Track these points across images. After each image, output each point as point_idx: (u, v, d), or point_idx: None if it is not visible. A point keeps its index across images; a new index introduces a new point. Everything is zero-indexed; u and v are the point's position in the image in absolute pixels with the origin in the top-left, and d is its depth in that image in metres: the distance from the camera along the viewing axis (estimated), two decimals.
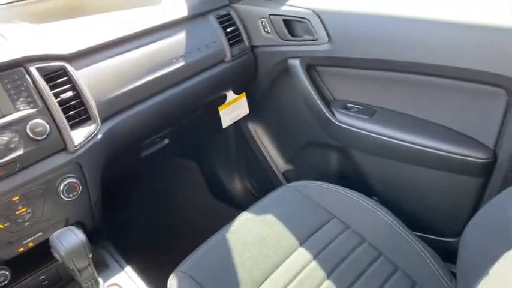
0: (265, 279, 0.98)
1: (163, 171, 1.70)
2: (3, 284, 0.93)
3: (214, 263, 1.02)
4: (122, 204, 1.43)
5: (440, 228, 1.23)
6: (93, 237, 1.09)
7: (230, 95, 1.45)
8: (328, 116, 1.28)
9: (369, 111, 1.24)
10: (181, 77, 1.19)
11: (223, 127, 1.46)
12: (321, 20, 1.19)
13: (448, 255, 0.98)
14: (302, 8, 1.23)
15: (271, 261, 1.02)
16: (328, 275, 0.99)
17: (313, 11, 1.21)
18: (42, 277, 1.01)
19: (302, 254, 1.04)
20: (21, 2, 1.30)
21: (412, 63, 1.07)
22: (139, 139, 1.23)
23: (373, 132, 1.21)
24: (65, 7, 1.28)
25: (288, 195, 1.23)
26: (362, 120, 1.23)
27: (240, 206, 1.71)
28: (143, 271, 1.08)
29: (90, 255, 0.86)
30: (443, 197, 1.19)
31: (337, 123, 1.27)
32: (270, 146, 1.65)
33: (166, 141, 1.37)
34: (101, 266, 1.06)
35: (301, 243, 1.06)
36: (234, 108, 1.45)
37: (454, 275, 0.94)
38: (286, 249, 1.05)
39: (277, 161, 1.66)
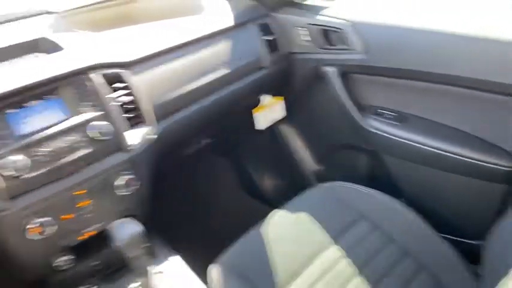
0: (300, 274, 1.07)
1: (200, 169, 1.80)
2: (69, 265, 1.04)
3: (252, 256, 1.11)
4: (164, 198, 1.53)
5: (465, 231, 1.28)
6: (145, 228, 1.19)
7: (265, 98, 1.54)
8: (360, 121, 1.35)
9: (400, 118, 1.31)
10: (225, 82, 1.28)
11: (258, 129, 1.55)
12: (356, 31, 1.26)
13: (473, 257, 1.05)
14: (339, 18, 1.30)
15: (304, 257, 1.10)
16: (357, 272, 1.06)
17: (349, 21, 1.28)
18: (97, 262, 1.12)
19: (332, 252, 1.12)
20: (74, 11, 1.41)
21: (442, 74, 1.13)
22: (186, 139, 1.32)
23: (403, 138, 1.27)
24: (116, 16, 1.38)
25: (319, 194, 1.31)
26: (393, 127, 1.30)
27: (271, 203, 1.80)
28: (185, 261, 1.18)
29: (144, 246, 0.96)
30: (469, 201, 1.25)
31: (368, 128, 1.34)
32: (301, 147, 1.73)
33: (207, 140, 1.47)
34: (148, 255, 1.16)
35: (332, 242, 1.14)
36: (270, 111, 1.54)
37: (478, 276, 1.00)
38: (318, 247, 1.13)
39: (308, 161, 1.73)
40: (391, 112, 1.34)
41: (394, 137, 1.30)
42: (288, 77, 1.49)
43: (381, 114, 1.35)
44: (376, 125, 1.34)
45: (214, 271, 1.07)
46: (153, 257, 1.13)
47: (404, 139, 1.28)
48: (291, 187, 1.81)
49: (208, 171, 1.83)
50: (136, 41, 1.17)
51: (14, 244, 0.94)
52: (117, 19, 1.36)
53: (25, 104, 0.94)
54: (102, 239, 1.04)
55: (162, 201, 1.30)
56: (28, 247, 0.95)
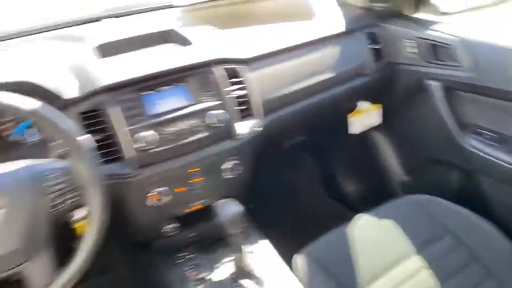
0: (380, 277, 1.12)
1: (288, 163, 1.89)
2: (175, 232, 1.18)
3: (336, 252, 1.18)
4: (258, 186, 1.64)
5: None
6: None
7: (362, 104, 1.58)
8: (459, 138, 1.36)
9: (500, 139, 1.29)
10: (328, 85, 1.35)
11: (352, 133, 1.60)
12: (467, 48, 1.27)
13: None
14: (449, 34, 1.31)
15: (387, 262, 1.15)
16: (438, 285, 1.09)
17: (460, 38, 1.28)
18: (194, 233, 1.25)
19: (414, 261, 1.15)
20: (196, 6, 1.55)
21: None
22: (285, 134, 1.42)
23: (502, 160, 1.26)
24: (234, 14, 1.51)
25: (406, 205, 1.34)
26: (493, 147, 1.29)
27: (351, 206, 1.84)
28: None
29: (242, 225, 1.06)
30: None
31: (467, 146, 1.34)
32: (391, 156, 1.75)
33: (302, 138, 1.55)
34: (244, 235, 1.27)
35: (415, 252, 1.17)
36: (366, 117, 1.58)
37: None
38: (400, 254, 1.17)
39: (396, 171, 1.75)
40: (492, 133, 1.32)
41: (492, 158, 1.29)
42: (389, 86, 1.53)
43: (481, 134, 1.34)
44: (475, 144, 1.33)
45: (300, 260, 1.16)
46: (247, 237, 1.24)
47: (503, 161, 1.26)
48: (374, 194, 1.84)
49: (295, 166, 1.91)
50: (254, 40, 1.29)
51: (135, 208, 1.09)
52: (235, 17, 1.48)
53: (158, 88, 1.08)
54: (206, 213, 1.17)
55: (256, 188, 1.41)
56: (146, 212, 1.10)
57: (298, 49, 1.31)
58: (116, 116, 1.01)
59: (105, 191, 0.86)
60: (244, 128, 1.16)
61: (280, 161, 1.78)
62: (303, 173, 2.00)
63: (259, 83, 1.21)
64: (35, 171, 0.82)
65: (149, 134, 1.03)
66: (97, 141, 1.00)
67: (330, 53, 1.36)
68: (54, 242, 0.84)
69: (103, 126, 1.02)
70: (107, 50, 1.16)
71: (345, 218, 1.29)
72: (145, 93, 1.07)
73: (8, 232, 0.78)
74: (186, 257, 1.20)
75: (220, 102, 1.12)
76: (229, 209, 1.03)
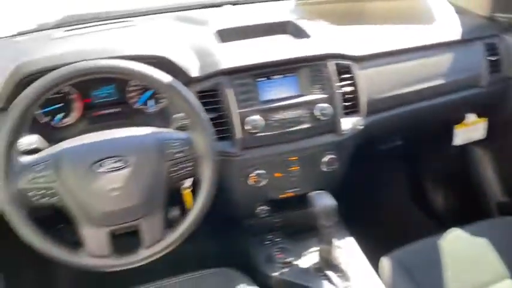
0: None
1: (378, 166, 1.86)
2: (265, 215, 1.24)
3: (425, 262, 1.16)
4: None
5: None
6: None
7: (470, 116, 1.52)
8: None
9: None
10: (438, 93, 1.32)
11: (455, 144, 1.55)
12: None
13: None
14: None
15: (478, 281, 1.11)
16: None
17: None
18: (285, 219, 1.30)
19: (508, 285, 1.10)
20: (310, 1, 1.58)
21: None
22: (384, 136, 1.41)
23: None
24: (350, 11, 1.51)
25: (503, 226, 1.27)
26: None
27: (439, 220, 1.78)
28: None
29: (336, 218, 1.09)
30: None
31: None
32: (491, 173, 1.67)
33: (399, 142, 1.53)
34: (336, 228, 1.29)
35: (509, 277, 1.12)
36: (471, 130, 1.52)
37: None
38: (494, 275, 1.12)
39: (493, 189, 1.66)
40: None
41: None
42: (501, 101, 1.45)
43: None
44: None
45: (386, 263, 1.15)
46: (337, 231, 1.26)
47: None
48: (465, 211, 1.76)
49: (384, 170, 1.88)
50: (368, 38, 1.29)
51: (236, 186, 1.16)
52: (351, 14, 1.49)
53: (271, 76, 1.13)
54: (298, 201, 1.21)
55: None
56: (245, 191, 1.17)
57: (411, 52, 1.29)
58: (230, 97, 1.08)
59: (216, 165, 0.93)
60: (347, 124, 1.18)
61: (371, 162, 1.76)
62: (391, 178, 1.96)
63: (368, 82, 1.22)
64: (159, 138, 0.91)
65: (257, 118, 1.08)
66: (210, 119, 1.08)
67: (445, 60, 1.32)
68: (166, 205, 0.92)
69: (217, 106, 1.09)
70: (227, 35, 1.23)
71: (429, 228, 1.26)
72: (260, 79, 1.12)
73: (132, 188, 0.87)
74: (275, 239, 1.25)
75: (328, 96, 1.14)
76: (324, 201, 1.06)
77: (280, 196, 1.22)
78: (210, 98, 1.09)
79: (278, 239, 1.26)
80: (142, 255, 0.91)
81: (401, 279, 1.12)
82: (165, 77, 0.88)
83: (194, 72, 1.10)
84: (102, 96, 1.17)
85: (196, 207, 0.93)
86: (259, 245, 1.24)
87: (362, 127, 1.21)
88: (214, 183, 0.93)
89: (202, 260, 1.60)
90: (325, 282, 1.10)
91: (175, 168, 0.91)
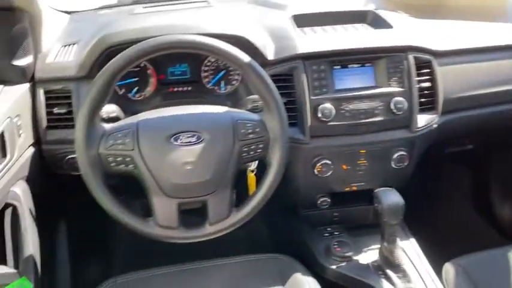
0: None
1: (440, 170, 1.78)
2: (326, 206, 1.22)
3: (490, 272, 1.10)
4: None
5: None
6: None
7: None
8: None
9: None
10: None
11: None
12: None
13: None
14: None
15: None
16: None
17: None
18: (336, 214, 1.27)
19: None
20: None
21: None
22: (455, 138, 1.34)
23: None
24: (430, 4, 1.45)
25: None
26: None
27: (503, 232, 1.68)
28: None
29: (401, 217, 1.05)
30: None
31: None
32: None
33: (470, 146, 1.45)
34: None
35: None
36: None
37: None
38: None
39: None
40: None
41: None
42: None
43: None
44: None
45: (450, 269, 1.10)
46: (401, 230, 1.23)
47: None
48: None
49: (450, 174, 1.80)
50: (449, 34, 1.23)
51: (301, 174, 1.14)
52: (431, 7, 1.43)
53: (348, 65, 1.10)
54: (362, 196, 1.18)
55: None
56: (309, 181, 1.15)
57: (494, 51, 1.22)
58: (304, 83, 1.07)
59: (287, 149, 0.92)
60: (422, 121, 1.13)
61: (438, 164, 1.68)
62: (456, 183, 1.87)
63: (445, 79, 1.16)
64: (234, 117, 0.91)
65: (329, 107, 1.06)
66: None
67: None
68: (233, 184, 0.92)
69: (290, 91, 1.08)
70: (304, 20, 1.21)
71: (491, 239, 1.19)
72: (336, 67, 1.10)
73: (204, 164, 0.88)
74: (334, 232, 1.23)
75: (405, 89, 1.10)
76: (391, 198, 1.02)
77: (346, 189, 1.19)
78: (284, 83, 1.08)
79: (337, 233, 1.24)
80: (207, 231, 0.92)
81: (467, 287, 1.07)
82: (246, 57, 0.88)
83: (270, 55, 1.09)
84: (176, 73, 1.20)
85: (263, 189, 0.92)
86: (318, 237, 1.22)
87: (436, 126, 1.16)
88: (283, 167, 0.92)
89: (255, 244, 1.62)
90: (384, 281, 1.07)
91: (246, 149, 0.90)
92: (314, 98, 1.07)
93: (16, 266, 0.92)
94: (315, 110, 1.07)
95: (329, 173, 1.13)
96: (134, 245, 1.41)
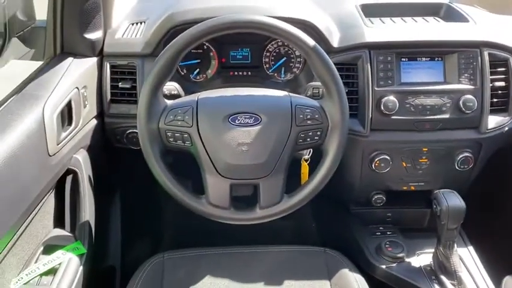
0: None
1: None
2: (380, 204, 1.18)
3: None
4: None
5: None
6: None
7: None
8: None
9: None
10: None
11: None
12: None
13: None
14: None
15: None
16: None
17: None
18: (389, 214, 1.22)
19: None
20: None
21: None
22: None
23: None
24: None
25: None
26: None
27: None
28: None
29: (461, 222, 0.99)
30: None
31: None
32: None
33: None
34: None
35: None
36: None
37: None
38: None
39: None
40: None
41: None
42: None
43: None
44: None
45: (510, 282, 1.03)
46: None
47: None
48: None
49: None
50: None
51: (357, 168, 1.11)
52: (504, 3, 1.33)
53: (416, 58, 1.05)
54: (418, 198, 1.13)
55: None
56: (366, 175, 1.11)
57: None
58: (368, 73, 1.03)
59: (345, 139, 0.89)
60: (492, 122, 1.06)
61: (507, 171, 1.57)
62: None
63: None
64: (294, 101, 0.89)
65: (392, 99, 1.02)
66: None
67: None
68: (287, 170, 0.91)
69: (353, 81, 1.05)
70: (373, 10, 1.17)
71: None
72: (404, 59, 1.05)
73: (260, 146, 0.87)
74: (387, 232, 1.18)
75: (476, 87, 1.04)
76: (453, 200, 0.97)
77: (404, 188, 1.14)
78: (347, 72, 1.05)
79: (390, 232, 1.19)
80: (257, 215, 0.91)
81: None
82: (311, 40, 0.86)
83: (335, 42, 1.07)
84: (237, 57, 1.20)
85: (317, 178, 0.90)
86: (369, 235, 1.18)
87: (507, 129, 1.08)
88: (340, 157, 0.90)
89: (303, 237, 1.59)
90: (436, 286, 1.02)
91: (303, 135, 0.88)
92: (378, 89, 1.03)
93: (72, 230, 0.96)
94: (377, 102, 1.03)
95: (387, 170, 1.09)
96: (185, 223, 1.43)
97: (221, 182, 0.89)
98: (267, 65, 1.19)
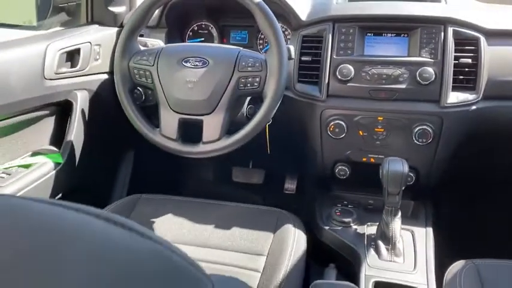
0: None
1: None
2: (344, 177, 1.21)
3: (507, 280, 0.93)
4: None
5: None
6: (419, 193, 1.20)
7: None
8: None
9: None
10: None
11: None
12: None
13: None
14: None
15: None
16: None
17: None
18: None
19: None
20: None
21: None
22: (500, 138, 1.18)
23: None
24: None
25: None
26: None
27: None
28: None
29: (403, 187, 0.98)
30: None
31: None
32: None
33: None
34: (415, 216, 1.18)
35: None
36: None
37: None
38: None
39: None
40: None
41: None
42: None
43: None
44: None
45: (460, 264, 0.97)
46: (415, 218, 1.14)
47: None
48: None
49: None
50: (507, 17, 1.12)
51: (317, 133, 1.16)
52: None
53: (382, 33, 1.11)
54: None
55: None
56: (325, 142, 1.16)
57: None
58: (329, 44, 1.11)
59: (283, 86, 0.98)
60: (454, 97, 1.05)
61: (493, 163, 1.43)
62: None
63: (495, 60, 1.06)
64: (241, 53, 1.02)
65: (348, 67, 1.08)
66: (306, 61, 1.14)
67: None
68: (230, 112, 1.02)
69: (316, 51, 1.14)
70: None
71: None
72: (369, 34, 1.12)
73: (204, 85, 1.01)
74: (344, 202, 1.20)
75: (436, 61, 1.05)
76: (394, 165, 0.98)
77: (363, 159, 1.16)
78: (312, 43, 1.14)
79: (346, 202, 1.22)
80: (200, 149, 1.03)
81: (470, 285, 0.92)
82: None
83: (303, 16, 1.17)
84: (237, 38, 1.37)
85: (255, 120, 1.00)
86: (330, 205, 1.20)
87: (475, 108, 1.06)
88: (276, 103, 0.98)
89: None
90: (372, 251, 1.02)
91: (244, 80, 1.00)
92: (336, 57, 1.10)
93: (59, 148, 1.17)
94: (334, 69, 1.10)
95: (342, 135, 1.12)
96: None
97: (172, 115, 1.04)
98: (260, 46, 1.34)
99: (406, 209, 1.18)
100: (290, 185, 1.66)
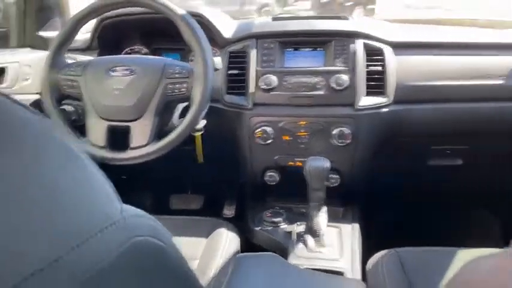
0: None
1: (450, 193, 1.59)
2: (274, 183, 1.25)
3: (429, 267, 0.99)
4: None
5: None
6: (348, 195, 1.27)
7: None
8: None
9: None
10: (490, 96, 1.19)
11: None
12: None
13: None
14: None
15: None
16: None
17: None
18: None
19: None
20: None
21: None
22: (426, 141, 1.29)
23: None
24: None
25: None
26: None
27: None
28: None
29: (326, 183, 1.04)
30: None
31: None
32: None
33: (459, 161, 1.35)
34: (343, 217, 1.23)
35: None
36: None
37: None
38: None
39: None
40: None
41: None
42: None
43: None
44: None
45: (385, 252, 1.02)
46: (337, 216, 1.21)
47: None
48: None
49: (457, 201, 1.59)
50: (414, 33, 1.27)
51: (245, 140, 1.22)
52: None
53: (300, 48, 1.22)
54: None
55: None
56: (253, 148, 1.22)
57: (456, 48, 1.23)
58: (253, 58, 1.20)
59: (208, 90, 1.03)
60: (366, 101, 1.15)
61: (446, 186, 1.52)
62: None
63: (401, 68, 1.19)
64: (166, 61, 1.08)
65: (271, 77, 1.17)
66: (233, 75, 1.21)
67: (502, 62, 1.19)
68: (159, 118, 1.05)
69: (242, 65, 1.22)
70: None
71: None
72: (288, 49, 1.22)
73: (131, 91, 1.04)
74: (273, 203, 1.25)
75: (348, 69, 1.16)
76: (316, 162, 1.04)
77: (289, 163, 1.22)
78: (238, 58, 1.22)
79: (275, 203, 1.27)
80: (129, 155, 1.04)
81: (393, 272, 0.97)
82: (181, 11, 1.05)
83: (228, 34, 1.26)
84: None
85: (183, 125, 1.03)
86: (260, 210, 1.24)
87: (387, 110, 1.16)
88: (203, 107, 1.02)
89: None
90: (300, 244, 1.05)
91: (171, 86, 1.04)
92: (260, 69, 1.19)
93: None
94: (258, 80, 1.18)
95: (269, 141, 1.18)
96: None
97: (99, 123, 1.06)
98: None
99: (337, 213, 1.24)
100: (229, 211, 1.68)
